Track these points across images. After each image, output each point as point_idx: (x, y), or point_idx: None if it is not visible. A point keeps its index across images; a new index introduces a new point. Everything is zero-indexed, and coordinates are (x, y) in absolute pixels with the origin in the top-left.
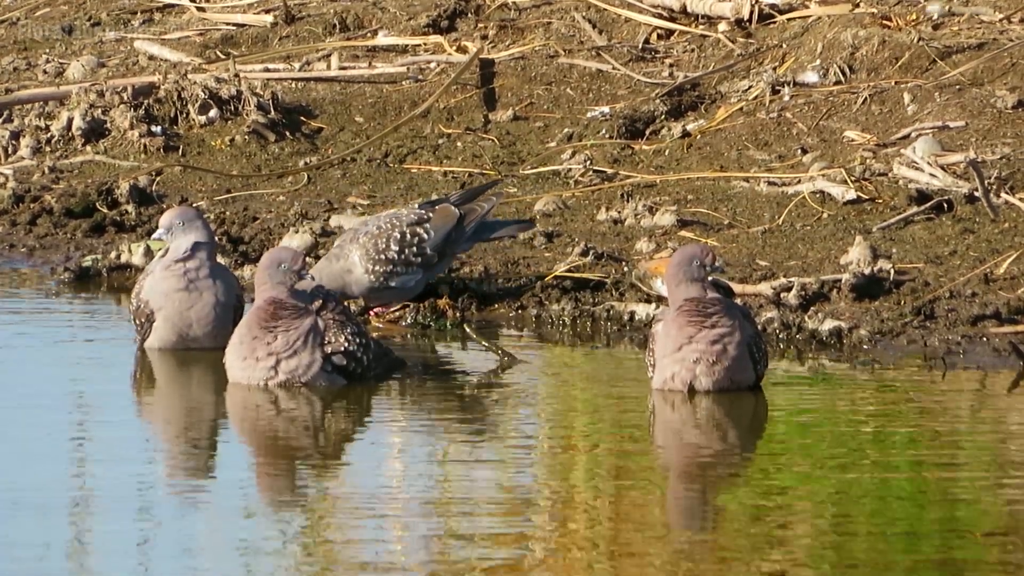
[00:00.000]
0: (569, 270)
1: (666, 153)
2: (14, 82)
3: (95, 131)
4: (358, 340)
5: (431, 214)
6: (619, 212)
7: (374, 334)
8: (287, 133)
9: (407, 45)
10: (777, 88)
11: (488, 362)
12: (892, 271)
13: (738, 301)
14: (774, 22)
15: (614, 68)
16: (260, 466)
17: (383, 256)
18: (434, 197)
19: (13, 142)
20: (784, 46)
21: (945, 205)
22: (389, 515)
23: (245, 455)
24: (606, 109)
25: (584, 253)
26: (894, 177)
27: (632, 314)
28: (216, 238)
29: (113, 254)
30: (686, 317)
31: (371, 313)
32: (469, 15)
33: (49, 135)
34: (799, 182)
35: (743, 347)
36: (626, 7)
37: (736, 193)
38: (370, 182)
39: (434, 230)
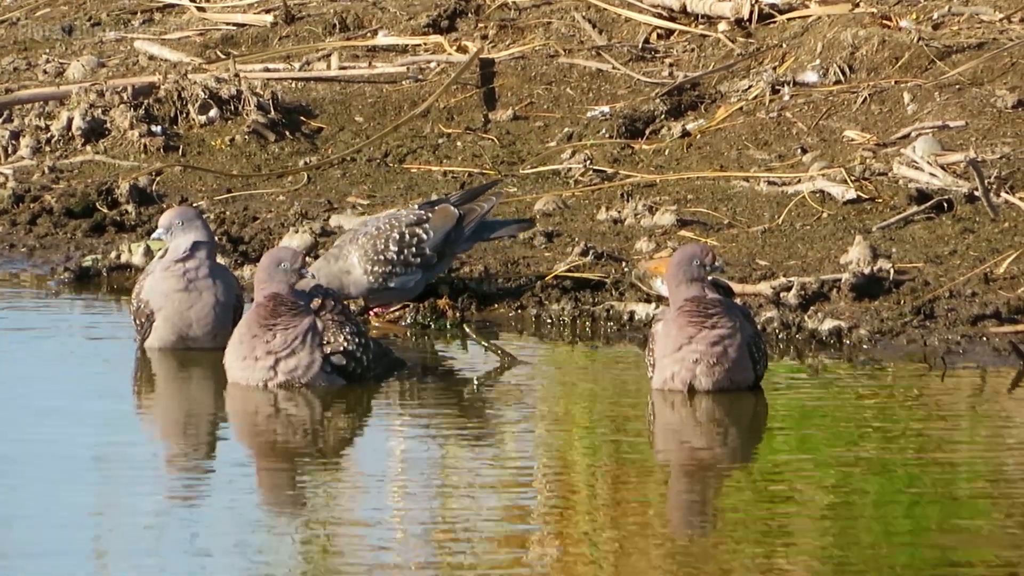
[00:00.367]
0: (569, 270)
1: (666, 153)
2: (14, 82)
3: (95, 131)
4: (357, 340)
5: (430, 214)
6: (619, 212)
7: (373, 334)
8: (287, 133)
9: (407, 45)
10: (777, 88)
11: (488, 362)
12: (892, 271)
13: (738, 301)
14: (774, 22)
15: (614, 68)
16: (259, 466)
17: (382, 257)
18: (434, 197)
19: (13, 142)
20: (784, 46)
21: (945, 205)
22: (390, 514)
23: (245, 455)
24: (606, 109)
25: (584, 253)
26: (894, 177)
27: (632, 314)
28: (216, 238)
29: (113, 254)
30: (686, 317)
31: (371, 313)
32: (469, 15)
33: (49, 135)
34: (799, 182)
35: (743, 348)
36: (626, 7)
37: (736, 193)
38: (370, 182)
39: (433, 230)
